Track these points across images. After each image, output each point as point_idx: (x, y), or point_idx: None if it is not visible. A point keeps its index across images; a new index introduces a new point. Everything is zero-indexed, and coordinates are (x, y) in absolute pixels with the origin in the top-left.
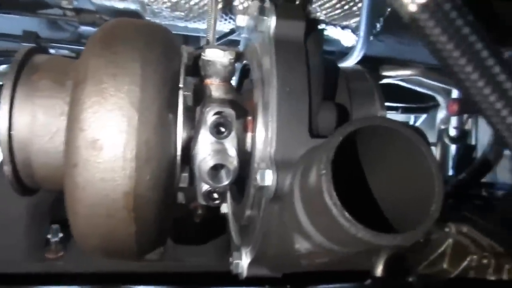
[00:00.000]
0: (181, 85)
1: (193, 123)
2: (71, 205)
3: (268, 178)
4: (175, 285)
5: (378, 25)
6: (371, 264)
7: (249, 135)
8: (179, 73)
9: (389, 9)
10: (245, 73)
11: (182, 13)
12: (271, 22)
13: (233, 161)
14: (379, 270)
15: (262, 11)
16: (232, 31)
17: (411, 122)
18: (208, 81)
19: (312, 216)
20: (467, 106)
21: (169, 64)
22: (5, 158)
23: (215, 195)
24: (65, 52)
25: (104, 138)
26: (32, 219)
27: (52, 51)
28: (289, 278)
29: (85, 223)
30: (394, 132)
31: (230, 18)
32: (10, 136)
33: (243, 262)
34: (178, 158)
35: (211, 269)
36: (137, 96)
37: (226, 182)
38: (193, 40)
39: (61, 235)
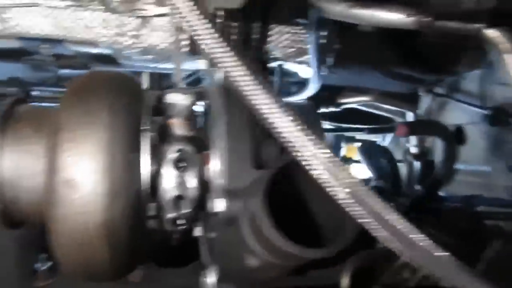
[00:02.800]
0: (146, 127)
1: (158, 159)
2: (53, 238)
3: (219, 205)
4: None
5: (329, 60)
6: (339, 278)
7: (207, 167)
8: (142, 116)
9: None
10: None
11: (151, 57)
12: (220, 73)
13: (192, 191)
14: (345, 282)
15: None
16: (194, 73)
17: (380, 141)
18: (171, 120)
19: (257, 236)
20: (416, 129)
21: (134, 109)
22: None
23: (180, 221)
24: (48, 94)
25: (78, 178)
26: (20, 250)
27: (35, 93)
28: None
29: (65, 253)
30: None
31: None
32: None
33: (210, 280)
34: (146, 191)
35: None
36: (105, 141)
37: (186, 210)
38: (165, 76)
39: (50, 263)
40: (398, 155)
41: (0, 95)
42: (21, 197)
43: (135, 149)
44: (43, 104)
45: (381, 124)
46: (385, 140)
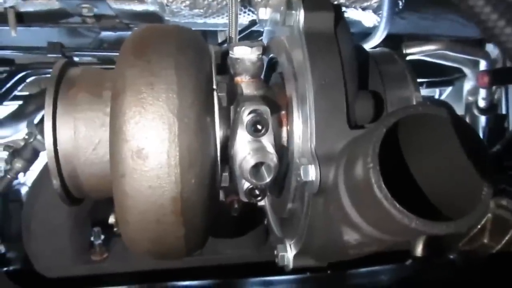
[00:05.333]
0: (214, 87)
1: (228, 123)
2: (121, 213)
3: (311, 173)
4: (215, 278)
5: (400, 3)
6: (410, 244)
7: (284, 129)
8: (211, 74)
9: None
10: (271, 66)
11: (201, 10)
12: (300, 16)
13: (273, 158)
14: (419, 250)
15: (289, 5)
16: (252, 24)
17: (436, 96)
18: (238, 79)
19: (361, 208)
20: (498, 78)
21: (201, 66)
22: (52, 172)
23: (257, 192)
24: (89, 59)
25: (148, 147)
26: (75, 224)
27: (76, 59)
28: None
29: (136, 229)
30: (438, 118)
31: (249, 10)
32: (56, 151)
33: (289, 254)
34: (218, 159)
35: (249, 260)
36: (176, 103)
37: (268, 179)
38: (211, 35)
39: (103, 237)
40: (458, 111)
41: (43, 63)
42: (82, 172)
43: (208, 113)
44: None
45: (439, 77)
46: (442, 95)
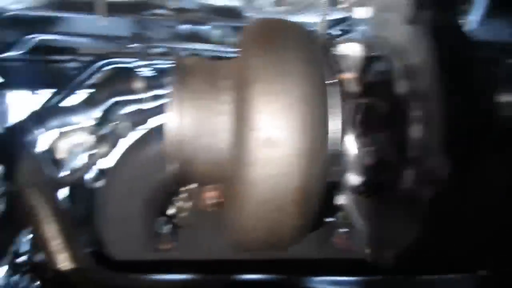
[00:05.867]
0: (333, 81)
1: (343, 117)
2: (239, 201)
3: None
4: (279, 273)
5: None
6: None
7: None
8: (326, 68)
9: None
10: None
11: (286, 8)
12: (428, 14)
13: (385, 154)
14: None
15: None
16: (341, 21)
17: None
18: (343, 75)
19: None
20: None
21: (324, 60)
22: (169, 157)
23: (365, 188)
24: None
25: (277, 136)
26: (145, 214)
27: (156, 50)
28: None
29: (254, 217)
30: None
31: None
32: (175, 136)
33: (385, 252)
34: (336, 152)
35: (313, 256)
36: (306, 93)
37: (381, 174)
38: None
39: (169, 226)
40: None
41: (123, 53)
42: (197, 157)
43: (326, 105)
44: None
45: None
46: None
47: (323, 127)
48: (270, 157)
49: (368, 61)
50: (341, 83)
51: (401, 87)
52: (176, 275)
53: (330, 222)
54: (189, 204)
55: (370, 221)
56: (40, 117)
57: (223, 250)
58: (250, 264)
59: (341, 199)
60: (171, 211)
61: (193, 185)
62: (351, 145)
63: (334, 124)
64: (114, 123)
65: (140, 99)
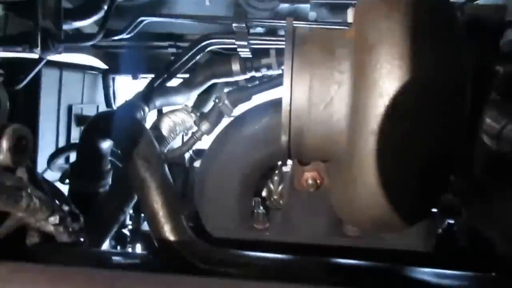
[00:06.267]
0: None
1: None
2: (360, 174)
3: None
4: (374, 261)
5: None
6: None
7: None
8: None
9: None
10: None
11: None
12: None
13: None
14: None
15: None
16: None
17: None
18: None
19: None
20: None
21: (456, 23)
22: (284, 127)
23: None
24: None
25: (409, 105)
26: (242, 192)
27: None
28: None
29: (372, 192)
30: None
31: None
32: (290, 106)
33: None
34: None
35: (413, 248)
36: (440, 58)
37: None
38: None
39: (263, 207)
40: None
41: (226, 32)
42: (308, 129)
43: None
44: None
45: None
46: None
47: (461, 96)
48: (397, 127)
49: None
50: (475, 48)
51: None
52: (274, 254)
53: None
54: (281, 186)
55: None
56: (146, 97)
57: (319, 234)
58: (346, 250)
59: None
60: (264, 192)
61: (287, 168)
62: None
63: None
64: (216, 101)
65: (239, 80)
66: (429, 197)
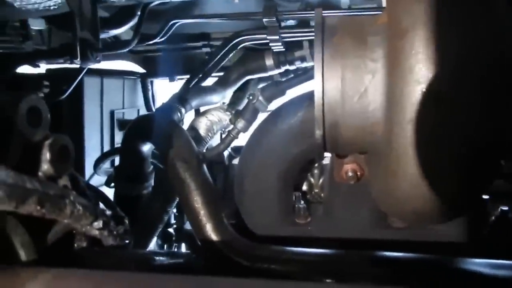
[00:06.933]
0: None
1: None
2: (396, 165)
3: None
4: (420, 253)
5: None
6: None
7: None
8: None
9: None
10: None
11: None
12: None
13: None
14: None
15: None
16: None
17: None
18: None
19: None
20: None
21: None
22: (317, 121)
23: None
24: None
25: (447, 90)
26: (282, 187)
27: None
28: None
29: (412, 184)
30: None
31: None
32: (323, 99)
33: None
34: None
35: (460, 240)
36: (479, 38)
37: None
38: None
39: (304, 202)
40: None
41: (257, 28)
42: (343, 122)
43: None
44: None
45: None
46: None
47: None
48: (438, 114)
49: None
50: None
51: None
52: (317, 249)
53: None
54: (322, 180)
55: None
56: (182, 98)
57: (362, 227)
58: (391, 243)
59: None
60: (305, 186)
61: (327, 160)
62: None
63: None
64: (250, 98)
65: (273, 75)
66: (475, 186)
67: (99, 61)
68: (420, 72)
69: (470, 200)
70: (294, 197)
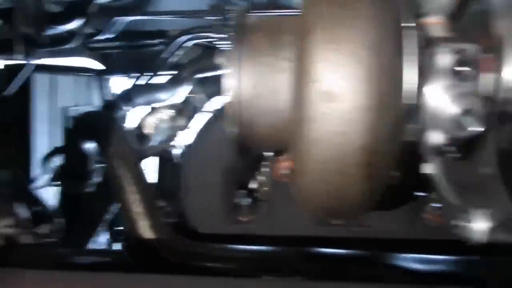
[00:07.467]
0: (410, 24)
1: (422, 66)
2: (300, 162)
3: None
4: (360, 250)
5: None
6: None
7: (490, 76)
8: (403, 11)
9: None
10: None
11: None
12: None
13: (479, 104)
14: None
15: None
16: None
17: None
18: (429, 19)
19: None
20: None
21: (394, 4)
22: (232, 119)
23: (448, 148)
24: None
25: (341, 88)
26: (226, 185)
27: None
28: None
29: (314, 180)
30: None
31: None
32: (238, 97)
33: (480, 226)
34: (411, 107)
35: (398, 235)
36: (373, 39)
37: (474, 128)
38: None
39: (249, 199)
40: None
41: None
42: (258, 120)
43: (401, 54)
44: None
45: None
46: None
47: (395, 78)
48: (330, 112)
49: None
50: (423, 27)
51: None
52: (254, 246)
53: (421, 196)
54: (271, 178)
55: (461, 190)
56: (127, 96)
57: (302, 224)
58: (328, 240)
59: (429, 167)
60: (253, 185)
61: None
62: (435, 97)
63: (410, 73)
64: (191, 95)
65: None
66: (375, 184)
67: (46, 57)
68: (316, 72)
69: (376, 199)
70: (240, 195)
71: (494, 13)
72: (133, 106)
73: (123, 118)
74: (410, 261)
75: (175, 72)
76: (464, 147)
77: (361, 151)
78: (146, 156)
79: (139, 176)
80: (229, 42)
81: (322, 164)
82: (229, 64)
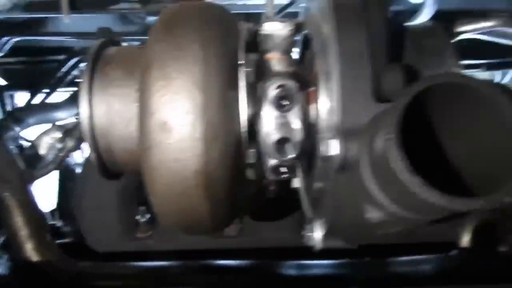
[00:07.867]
0: (241, 62)
1: (255, 98)
2: (149, 186)
3: (334, 147)
4: (253, 260)
5: None
6: (456, 234)
7: (313, 106)
8: (238, 50)
9: None
10: (306, 44)
11: None
12: None
13: (297, 133)
14: (465, 240)
15: None
16: (291, 3)
17: (498, 80)
18: (268, 55)
19: (382, 184)
20: None
21: (228, 42)
22: (90, 146)
23: (283, 169)
24: (137, 43)
25: (172, 120)
26: (123, 202)
27: (124, 44)
28: (368, 250)
29: (162, 202)
30: (469, 89)
31: None
32: (92, 125)
33: (316, 234)
34: (244, 134)
35: (287, 243)
36: (200, 77)
37: (292, 155)
38: (254, 17)
39: (148, 215)
40: None
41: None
42: (115, 146)
43: (232, 87)
44: None
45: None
46: (505, 77)
47: (229, 109)
48: (167, 141)
49: (304, 40)
50: (264, 62)
51: (317, 64)
52: (153, 262)
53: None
54: None
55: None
56: (16, 115)
57: (197, 238)
58: (223, 252)
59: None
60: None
61: None
62: (265, 125)
63: (241, 105)
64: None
65: None
66: (216, 204)
67: None
68: (152, 105)
69: (226, 212)
70: (139, 211)
71: (315, 52)
72: (25, 127)
73: (14, 138)
74: (294, 268)
75: (75, 89)
76: (306, 165)
77: (196, 175)
78: (37, 178)
79: (25, 198)
80: (83, 73)
81: (166, 186)
82: (82, 94)
